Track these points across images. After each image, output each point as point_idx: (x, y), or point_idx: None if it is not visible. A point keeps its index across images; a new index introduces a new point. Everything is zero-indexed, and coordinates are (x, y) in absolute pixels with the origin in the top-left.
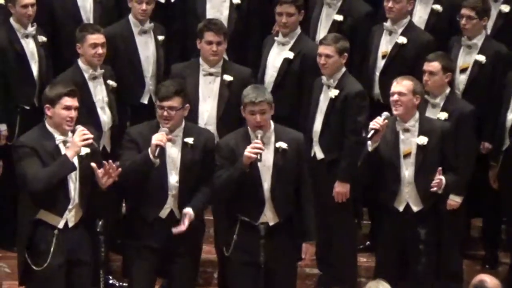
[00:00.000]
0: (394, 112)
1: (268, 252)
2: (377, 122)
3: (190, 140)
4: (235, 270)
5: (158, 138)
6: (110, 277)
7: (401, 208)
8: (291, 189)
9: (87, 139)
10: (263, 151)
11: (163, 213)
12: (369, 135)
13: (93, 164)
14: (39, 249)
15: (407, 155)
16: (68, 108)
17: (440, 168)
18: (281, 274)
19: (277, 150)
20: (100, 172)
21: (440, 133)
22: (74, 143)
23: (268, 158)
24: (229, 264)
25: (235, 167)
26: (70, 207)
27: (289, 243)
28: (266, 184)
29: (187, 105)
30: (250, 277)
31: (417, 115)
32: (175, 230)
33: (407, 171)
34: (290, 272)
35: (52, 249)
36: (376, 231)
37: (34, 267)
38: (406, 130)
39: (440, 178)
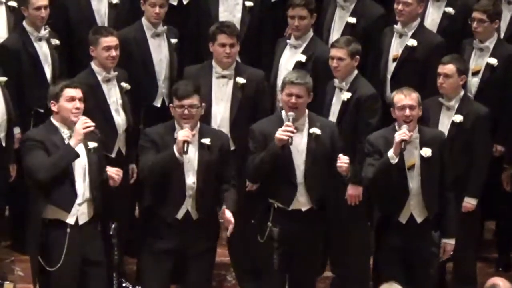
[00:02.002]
0: (408, 127)
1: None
2: (406, 133)
3: (206, 141)
4: (267, 257)
5: (184, 134)
6: (124, 280)
7: (404, 220)
8: (325, 175)
9: (88, 127)
10: (295, 133)
11: (180, 214)
12: (402, 146)
13: (109, 172)
14: (52, 249)
15: (411, 167)
16: (72, 99)
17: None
18: (306, 263)
19: (310, 136)
20: (112, 173)
21: (439, 142)
22: (77, 131)
23: (301, 143)
24: (263, 250)
25: (267, 149)
26: (79, 201)
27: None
28: (299, 169)
29: (203, 104)
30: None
31: (417, 126)
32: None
33: (412, 183)
34: (314, 260)
35: (65, 248)
36: (377, 244)
37: (47, 268)
38: (408, 142)
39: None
